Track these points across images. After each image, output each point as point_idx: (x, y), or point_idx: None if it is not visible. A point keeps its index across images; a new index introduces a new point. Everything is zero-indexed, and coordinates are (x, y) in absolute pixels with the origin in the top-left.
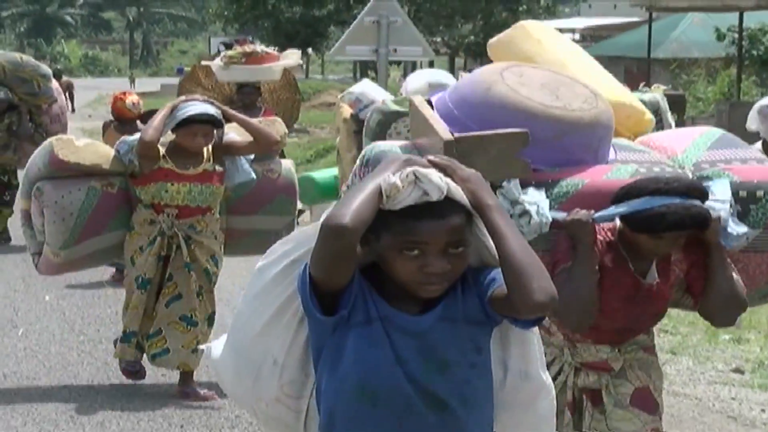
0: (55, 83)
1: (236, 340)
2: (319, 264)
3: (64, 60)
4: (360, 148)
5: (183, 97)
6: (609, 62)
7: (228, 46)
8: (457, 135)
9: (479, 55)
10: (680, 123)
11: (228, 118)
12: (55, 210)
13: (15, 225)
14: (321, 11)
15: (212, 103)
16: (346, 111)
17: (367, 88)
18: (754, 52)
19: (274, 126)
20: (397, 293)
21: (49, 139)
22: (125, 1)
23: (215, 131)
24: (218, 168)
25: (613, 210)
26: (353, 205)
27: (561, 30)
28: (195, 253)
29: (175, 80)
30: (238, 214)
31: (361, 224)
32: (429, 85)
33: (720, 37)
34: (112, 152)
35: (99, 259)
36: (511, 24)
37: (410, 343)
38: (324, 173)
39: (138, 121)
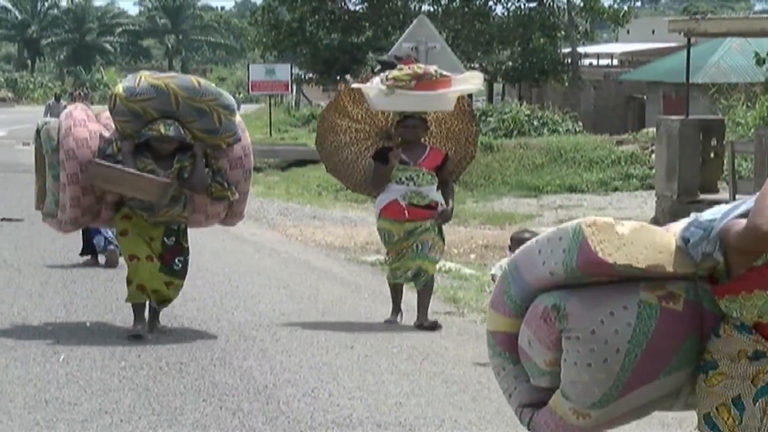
0: (238, 118)
1: None
2: None
3: (104, 87)
4: None
5: None
6: (647, 88)
7: (389, 65)
8: None
9: (517, 81)
10: (719, 147)
11: None
12: (593, 345)
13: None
14: (359, 38)
15: None
16: None
17: None
18: None
19: None
20: None
21: (575, 224)
22: (164, 28)
23: None
24: None
25: None
26: None
27: (599, 55)
28: None
29: None
30: None
31: None
32: None
33: (759, 62)
34: (672, 242)
35: (636, 416)
36: (548, 50)
37: None
38: None
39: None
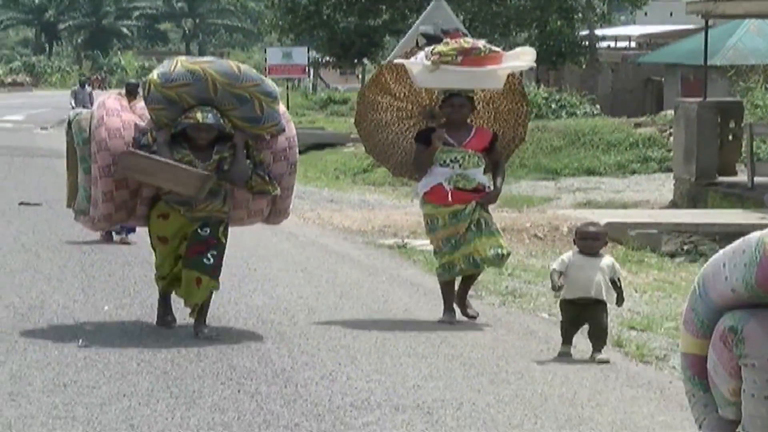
0: (282, 107)
1: None
2: None
3: (121, 71)
4: None
5: None
6: (665, 70)
7: (435, 39)
8: None
9: (534, 64)
10: (737, 130)
11: None
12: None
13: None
14: (376, 21)
15: None
16: None
17: None
18: None
19: None
20: None
21: (759, 235)
22: (181, 12)
23: None
24: None
25: None
26: None
27: (617, 38)
28: None
29: None
30: None
31: None
32: None
33: None
34: None
35: None
36: (566, 32)
37: None
38: None
39: None
